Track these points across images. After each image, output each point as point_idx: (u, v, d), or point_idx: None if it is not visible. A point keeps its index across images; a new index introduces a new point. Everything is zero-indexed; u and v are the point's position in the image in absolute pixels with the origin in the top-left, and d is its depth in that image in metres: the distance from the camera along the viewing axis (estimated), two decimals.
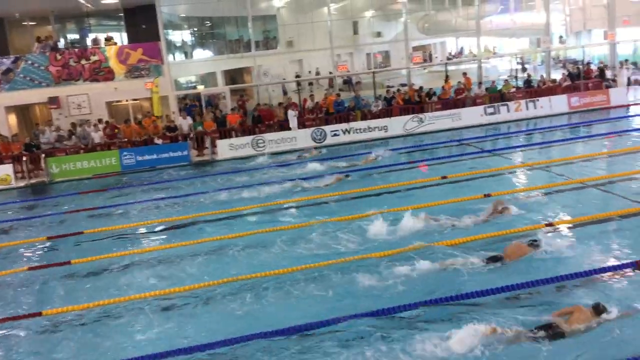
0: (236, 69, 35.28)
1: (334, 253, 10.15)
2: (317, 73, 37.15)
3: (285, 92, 34.02)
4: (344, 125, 22.46)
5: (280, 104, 24.66)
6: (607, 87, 24.41)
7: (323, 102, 24.23)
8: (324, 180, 15.76)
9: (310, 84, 38.73)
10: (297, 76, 35.80)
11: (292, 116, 22.58)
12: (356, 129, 22.43)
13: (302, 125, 22.91)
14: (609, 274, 8.35)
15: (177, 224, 13.35)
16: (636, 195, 11.84)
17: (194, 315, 8.54)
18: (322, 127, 22.30)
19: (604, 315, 6.92)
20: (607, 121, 21.04)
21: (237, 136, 22.40)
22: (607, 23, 30.15)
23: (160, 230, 13.11)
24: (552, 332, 6.77)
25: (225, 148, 21.66)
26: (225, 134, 22.47)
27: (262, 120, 22.95)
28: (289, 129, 22.47)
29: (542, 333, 6.76)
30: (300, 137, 22.06)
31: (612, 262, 8.73)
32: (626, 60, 30.65)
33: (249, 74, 34.23)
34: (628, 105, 23.48)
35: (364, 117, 23.20)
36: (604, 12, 31.39)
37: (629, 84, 25.60)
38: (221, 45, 36.45)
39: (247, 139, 21.90)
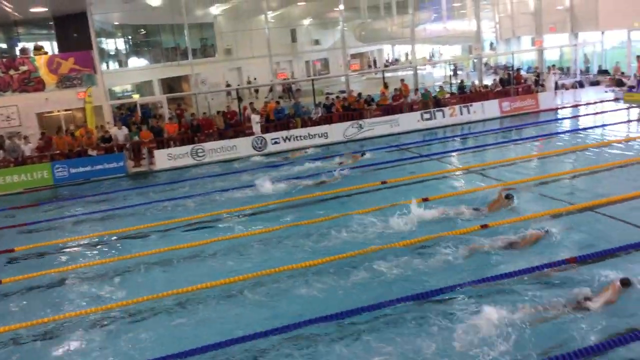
0: (174, 77, 34.74)
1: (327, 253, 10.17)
2: (249, 82, 36.95)
3: (240, 99, 33.83)
4: (284, 133, 22.46)
5: (218, 112, 24.42)
6: (535, 91, 25.45)
7: (263, 110, 24.16)
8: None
9: (257, 91, 38.62)
10: (249, 82, 35.53)
11: (256, 121, 22.49)
12: (296, 136, 22.48)
13: (242, 133, 22.78)
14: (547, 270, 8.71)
15: (114, 237, 13.00)
16: (566, 195, 12.38)
17: (132, 331, 8.33)
18: (263, 135, 22.22)
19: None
20: (537, 124, 21.93)
21: (175, 146, 22.00)
22: (535, 30, 31.54)
23: (96, 245, 12.73)
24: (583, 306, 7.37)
25: (164, 158, 21.24)
26: (162, 143, 22.03)
27: (201, 129, 22.66)
28: (229, 137, 22.28)
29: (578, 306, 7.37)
30: (241, 146, 21.90)
31: (546, 260, 9.07)
32: (553, 66, 32.16)
33: (187, 83, 33.75)
34: (556, 109, 24.57)
35: (304, 125, 23.29)
36: (531, 19, 32.81)
37: (556, 88, 26.77)
38: (157, 54, 35.84)
39: (186, 148, 21.56)
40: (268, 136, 22.24)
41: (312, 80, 29.01)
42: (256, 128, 22.45)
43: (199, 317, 8.59)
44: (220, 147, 21.77)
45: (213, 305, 8.92)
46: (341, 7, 30.18)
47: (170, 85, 35.76)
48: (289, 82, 35.41)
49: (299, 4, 41.59)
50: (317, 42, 46.82)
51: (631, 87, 25.51)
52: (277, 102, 25.55)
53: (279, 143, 22.24)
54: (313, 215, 12.73)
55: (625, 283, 7.61)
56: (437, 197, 13.11)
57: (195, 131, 22.56)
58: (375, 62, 51.98)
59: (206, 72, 34.87)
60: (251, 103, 25.29)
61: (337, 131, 22.81)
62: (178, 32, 33.75)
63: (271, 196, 14.98)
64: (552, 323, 7.25)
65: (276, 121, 23.21)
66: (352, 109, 24.15)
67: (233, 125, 23.36)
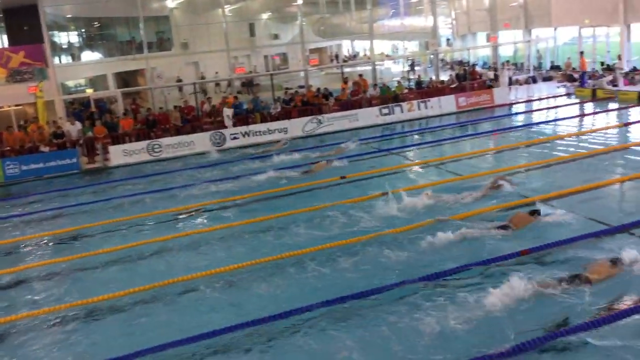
0: (129, 71, 33.97)
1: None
2: (202, 77, 36.44)
3: (205, 92, 33.30)
4: (243, 128, 22.26)
5: (175, 107, 24.02)
6: (490, 87, 25.97)
7: (220, 105, 23.88)
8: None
9: (218, 85, 38.07)
10: (202, 77, 35.03)
11: (227, 115, 22.28)
12: (256, 132, 22.32)
13: (200, 129, 22.49)
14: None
15: (68, 236, 12.67)
16: (521, 188, 12.65)
17: (88, 331, 8.16)
18: (221, 130, 21.98)
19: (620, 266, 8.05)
20: (492, 119, 22.38)
21: (130, 141, 21.53)
22: (490, 26, 32.13)
23: (48, 244, 12.38)
24: (581, 281, 7.80)
25: (119, 154, 20.77)
26: (117, 139, 21.54)
27: (158, 125, 22.26)
28: (186, 133, 21.96)
29: (574, 283, 7.77)
30: (199, 141, 21.61)
31: (502, 252, 9.26)
32: (507, 62, 32.83)
33: (143, 77, 33.07)
34: (510, 104, 25.12)
35: (264, 120, 23.16)
36: (486, 16, 33.39)
37: (510, 83, 27.37)
38: (111, 47, 35.00)
39: (142, 144, 21.14)
40: (227, 131, 22.00)
41: (271, 75, 28.83)
42: (228, 122, 22.28)
43: (159, 315, 8.47)
44: (178, 142, 21.43)
45: (173, 303, 8.80)
46: (300, 1, 30.08)
47: (125, 79, 34.95)
48: (248, 76, 35.14)
49: None
50: (276, 36, 46.49)
51: (583, 82, 26.30)
52: (235, 97, 25.28)
53: (238, 139, 22.03)
54: (273, 211, 12.69)
55: (615, 262, 8.11)
56: (396, 191, 13.20)
57: (151, 126, 22.14)
58: (337, 56, 52.03)
59: (162, 66, 34.23)
60: (209, 98, 24.96)
61: (296, 126, 22.74)
62: (133, 25, 33.01)
63: (232, 192, 14.87)
64: (552, 300, 7.60)
65: (235, 116, 22.95)
66: (311, 104, 24.13)
67: (191, 121, 23.03)
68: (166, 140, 21.38)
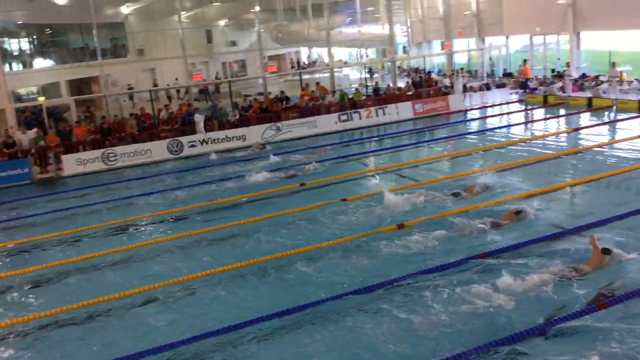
0: (83, 78, 33.27)
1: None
2: (155, 85, 36.01)
3: (171, 98, 32.82)
4: (201, 136, 22.03)
5: (131, 114, 23.60)
6: (445, 94, 26.46)
7: (178, 112, 23.61)
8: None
9: (179, 90, 37.56)
10: (155, 85, 34.52)
11: (198, 121, 22.10)
12: (214, 139, 22.12)
13: (156, 137, 22.15)
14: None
15: (20, 247, 12.28)
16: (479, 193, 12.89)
17: (43, 347, 7.91)
18: (179, 138, 21.70)
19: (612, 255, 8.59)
20: (448, 126, 22.79)
21: (84, 150, 21.02)
22: (445, 34, 32.78)
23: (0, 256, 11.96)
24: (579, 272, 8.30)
25: (72, 163, 20.25)
26: (71, 148, 21.01)
27: (113, 133, 21.82)
28: (143, 141, 21.60)
29: (573, 273, 8.27)
30: (155, 149, 21.27)
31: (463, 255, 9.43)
32: (462, 69, 33.54)
33: (98, 84, 32.41)
34: (465, 111, 25.64)
35: (222, 127, 22.97)
36: (441, 24, 34.08)
37: (465, 90, 27.94)
38: (64, 54, 34.27)
39: (96, 153, 20.67)
40: (184, 139, 21.74)
41: (229, 82, 28.67)
42: (199, 128, 22.13)
43: (115, 329, 8.28)
44: (134, 151, 21.04)
45: (131, 315, 8.63)
46: (257, 8, 30.06)
47: (79, 86, 34.23)
48: (205, 83, 34.85)
49: (214, 4, 41.02)
50: (233, 43, 46.35)
51: (533, 89, 27.09)
52: (189, 105, 25.01)
53: (195, 146, 21.79)
54: (234, 219, 12.60)
55: (606, 252, 8.59)
56: (355, 198, 13.32)
57: (106, 135, 21.69)
58: (299, 63, 52.19)
59: (117, 73, 33.64)
60: (166, 105, 24.61)
61: (255, 133, 22.65)
62: (86, 31, 32.36)
63: (191, 200, 14.71)
64: (550, 289, 7.97)
65: (187, 124, 22.66)
66: (270, 110, 24.09)
67: (147, 128, 22.66)
68: (121, 149, 20.96)
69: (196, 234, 11.96)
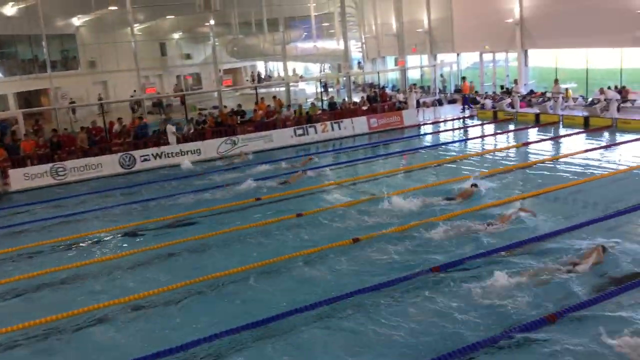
0: (31, 91, 32.35)
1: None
2: (100, 99, 35.41)
3: (134, 110, 32.08)
4: (154, 150, 21.68)
5: (82, 128, 23.02)
6: (399, 109, 26.88)
7: (131, 126, 23.18)
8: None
9: (140, 104, 36.83)
10: (100, 98, 33.76)
11: (172, 132, 21.93)
12: (168, 153, 21.79)
13: (108, 150, 21.67)
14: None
15: None
16: (431, 206, 13.09)
17: None
18: (131, 152, 21.28)
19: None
20: (402, 140, 23.13)
21: (33, 164, 20.37)
22: (398, 51, 33.32)
23: None
24: (575, 268, 8.89)
25: (20, 178, 19.58)
26: (18, 162, 20.32)
27: (63, 146, 21.24)
28: (94, 155, 21.10)
29: (569, 268, 8.87)
30: (107, 164, 20.80)
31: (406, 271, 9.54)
32: (415, 85, 34.14)
33: (47, 97, 31.58)
34: (419, 125, 26.10)
35: (176, 141, 22.64)
36: (394, 40, 34.61)
37: (418, 106, 28.45)
38: (12, 66, 33.28)
39: (45, 167, 20.05)
40: (137, 153, 21.34)
41: (183, 95, 28.36)
42: (172, 139, 21.91)
43: (63, 350, 8.02)
44: (84, 165, 20.51)
45: (80, 336, 8.36)
46: (212, 22, 29.94)
47: (28, 99, 33.27)
48: (159, 96, 34.39)
49: (168, 17, 40.65)
50: (188, 56, 45.96)
51: (474, 103, 27.90)
52: (140, 119, 24.61)
53: (149, 160, 21.42)
54: (189, 234, 12.40)
55: (604, 249, 9.35)
56: (310, 212, 13.34)
57: (55, 148, 21.09)
58: (260, 76, 52.11)
59: (68, 85, 32.88)
60: (119, 118, 24.11)
61: (210, 147, 22.44)
62: (36, 43, 31.56)
63: (145, 215, 14.44)
64: (550, 284, 8.53)
65: (141, 138, 22.27)
66: (225, 124, 23.94)
67: (98, 142, 22.14)
68: (71, 163, 20.40)
69: (148, 250, 11.71)
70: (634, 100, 23.20)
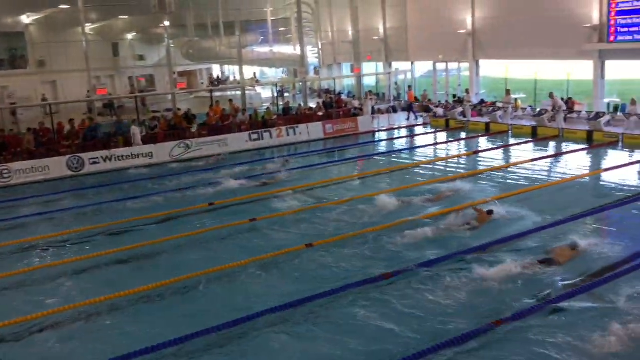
0: None
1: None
2: (43, 100, 34.37)
3: (91, 111, 31.02)
4: (104, 153, 21.16)
5: (29, 129, 22.25)
6: (355, 115, 27.11)
7: (80, 128, 22.54)
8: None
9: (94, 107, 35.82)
10: (44, 99, 32.72)
11: (134, 132, 21.60)
12: (118, 156, 21.30)
13: (56, 152, 21.01)
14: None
15: None
16: (386, 213, 13.20)
17: None
18: (80, 155, 20.70)
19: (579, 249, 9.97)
20: (357, 146, 23.32)
21: None
22: (354, 58, 33.67)
23: None
24: (550, 264, 9.49)
25: None
26: None
27: (7, 148, 20.48)
28: (41, 157, 20.42)
29: (543, 266, 9.42)
30: (54, 166, 20.16)
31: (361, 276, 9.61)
32: (370, 92, 34.49)
33: None
34: (373, 132, 26.37)
35: (127, 144, 22.16)
36: (350, 47, 34.97)
37: (373, 112, 28.75)
38: None
39: None
40: (86, 156, 20.77)
41: (136, 97, 27.80)
42: (137, 140, 21.60)
43: (9, 356, 7.72)
44: (30, 167, 19.82)
45: (23, 344, 8.09)
46: (166, 23, 29.52)
47: None
48: (111, 98, 33.63)
49: (121, 17, 39.82)
50: (141, 57, 45.07)
51: (418, 111, 28.52)
52: (91, 120, 23.98)
53: (98, 163, 20.89)
54: (135, 240, 12.13)
55: (575, 246, 10.06)
56: (264, 217, 13.29)
57: (0, 150, 20.31)
58: (219, 79, 51.58)
59: (16, 85, 31.82)
60: (71, 120, 23.32)
61: (162, 151, 22.05)
62: None
63: (90, 221, 14.07)
64: (527, 279, 9.11)
65: (90, 140, 21.71)
66: (178, 128, 23.58)
67: (46, 144, 21.44)
68: (17, 165, 19.70)
69: (92, 257, 11.38)
70: (580, 112, 24.07)
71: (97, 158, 20.92)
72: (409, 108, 29.71)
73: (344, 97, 34.16)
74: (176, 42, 41.19)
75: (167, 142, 22.45)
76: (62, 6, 31.66)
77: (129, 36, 43.85)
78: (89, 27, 31.30)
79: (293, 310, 8.49)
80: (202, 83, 50.10)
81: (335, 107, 27.94)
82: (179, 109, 26.30)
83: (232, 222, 13.05)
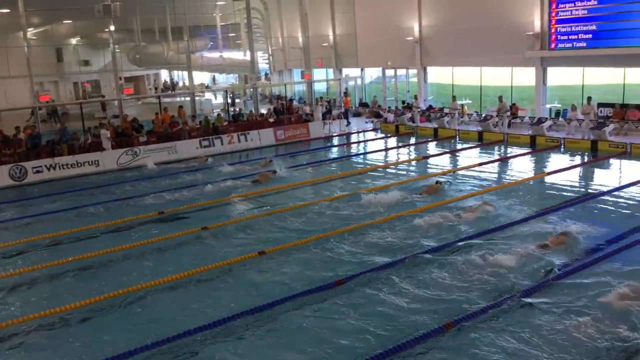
0: None
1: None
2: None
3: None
4: (48, 161, 20.47)
5: None
6: (306, 121, 27.18)
7: (20, 134, 21.69)
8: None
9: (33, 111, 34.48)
10: None
11: (107, 137, 21.37)
12: (63, 165, 20.65)
13: None
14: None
15: None
16: (336, 219, 13.25)
17: None
18: (22, 164, 19.96)
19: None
20: (309, 152, 23.36)
21: None
22: (304, 64, 33.79)
23: None
24: (546, 249, 10.51)
25: None
26: None
27: None
28: None
29: (541, 250, 10.45)
30: None
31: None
32: (321, 98, 34.71)
33: None
34: (325, 137, 26.49)
35: (72, 152, 21.50)
36: (301, 53, 35.08)
37: (324, 118, 28.88)
38: None
39: None
40: (28, 165, 20.04)
41: (81, 103, 27.04)
42: (106, 144, 21.29)
43: None
44: None
45: None
46: (112, 28, 28.89)
47: None
48: (54, 104, 32.61)
49: (65, 22, 38.72)
50: (86, 63, 43.93)
51: (386, 119, 28.79)
52: (34, 127, 23.16)
53: (42, 172, 20.19)
54: (78, 253, 11.73)
55: (566, 234, 11.05)
56: (217, 225, 13.14)
57: None
58: (173, 84, 50.71)
59: None
60: (17, 127, 22.36)
61: (109, 159, 21.53)
62: None
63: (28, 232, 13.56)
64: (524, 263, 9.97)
65: (32, 148, 20.97)
66: (126, 135, 23.04)
67: None
68: None
69: (28, 270, 10.93)
70: (523, 117, 24.86)
71: (40, 167, 20.22)
72: (344, 114, 30.09)
73: (295, 103, 34.22)
74: (122, 47, 40.36)
75: (114, 150, 21.92)
76: (2, 10, 30.52)
77: (74, 41, 42.70)
78: (31, 32, 30.27)
79: (243, 320, 8.40)
80: (150, 89, 49.26)
81: (286, 113, 27.93)
82: (126, 115, 25.73)
83: (182, 230, 12.83)
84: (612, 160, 18.66)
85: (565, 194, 14.79)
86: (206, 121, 25.61)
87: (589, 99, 21.63)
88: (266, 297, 9.06)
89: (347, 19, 34.77)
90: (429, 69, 30.71)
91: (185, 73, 44.92)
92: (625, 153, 19.17)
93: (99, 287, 9.85)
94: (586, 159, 19.45)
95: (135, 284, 9.79)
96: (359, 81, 35.90)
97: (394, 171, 18.88)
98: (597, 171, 17.96)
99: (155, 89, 49.07)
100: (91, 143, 22.04)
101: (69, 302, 9.16)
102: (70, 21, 38.52)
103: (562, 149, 20.81)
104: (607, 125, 20.56)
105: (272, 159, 20.53)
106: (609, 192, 14.51)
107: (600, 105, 22.44)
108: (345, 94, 32.62)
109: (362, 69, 35.42)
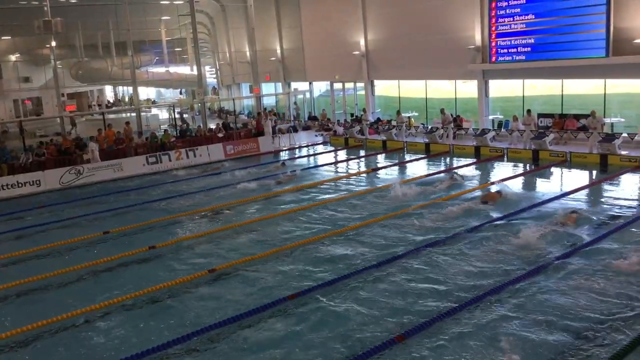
0: None
1: None
2: None
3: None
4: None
5: None
6: (256, 135, 27.06)
7: None
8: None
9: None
10: None
11: (93, 149, 22.11)
12: (2, 185, 19.85)
13: None
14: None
15: None
16: (283, 234, 13.21)
17: None
18: None
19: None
20: (259, 166, 23.20)
21: None
22: (253, 78, 33.72)
23: None
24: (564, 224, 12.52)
25: None
26: None
27: None
28: None
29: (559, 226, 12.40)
30: None
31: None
32: (265, 109, 34.67)
33: None
34: (275, 152, 26.43)
35: (11, 171, 20.69)
36: (249, 68, 35.01)
37: (274, 132, 28.83)
38: None
39: None
40: None
41: (21, 121, 26.12)
42: (95, 155, 21.43)
43: None
44: None
45: None
46: (53, 44, 28.12)
47: None
48: None
49: (3, 38, 37.49)
50: (27, 79, 42.59)
51: (335, 132, 28.98)
52: None
53: None
54: (20, 277, 11.27)
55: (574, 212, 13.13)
56: (165, 244, 12.87)
57: None
58: (118, 100, 49.55)
59: None
60: None
61: (51, 178, 20.84)
62: None
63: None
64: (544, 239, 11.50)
65: None
66: (69, 153, 22.38)
67: None
68: None
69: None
70: (467, 128, 25.48)
71: None
72: (273, 129, 29.95)
73: (243, 117, 34.07)
74: (64, 63, 39.39)
75: (57, 169, 21.23)
76: None
77: (13, 57, 41.38)
78: None
79: (195, 339, 8.24)
80: (94, 105, 48.14)
81: (235, 128, 27.74)
82: (68, 133, 25.01)
83: (129, 250, 12.50)
84: (553, 169, 19.32)
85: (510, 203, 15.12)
86: (153, 137, 25.17)
87: (529, 111, 22.42)
88: (217, 315, 8.95)
89: (294, 33, 34.97)
90: (376, 82, 31.16)
91: (131, 88, 44.17)
92: (565, 161, 19.90)
93: (38, 312, 9.43)
94: (528, 168, 20.06)
95: (79, 307, 9.47)
96: (307, 95, 36.06)
97: (345, 183, 18.98)
98: (538, 180, 18.53)
99: (99, 105, 47.97)
100: (32, 162, 21.31)
101: (8, 329, 8.79)
102: (9, 37, 37.33)
103: (505, 159, 21.41)
104: (547, 135, 21.29)
105: (285, 162, 21.77)
106: (551, 200, 14.98)
107: (540, 115, 23.25)
108: (296, 104, 32.56)
109: (310, 83, 35.63)
